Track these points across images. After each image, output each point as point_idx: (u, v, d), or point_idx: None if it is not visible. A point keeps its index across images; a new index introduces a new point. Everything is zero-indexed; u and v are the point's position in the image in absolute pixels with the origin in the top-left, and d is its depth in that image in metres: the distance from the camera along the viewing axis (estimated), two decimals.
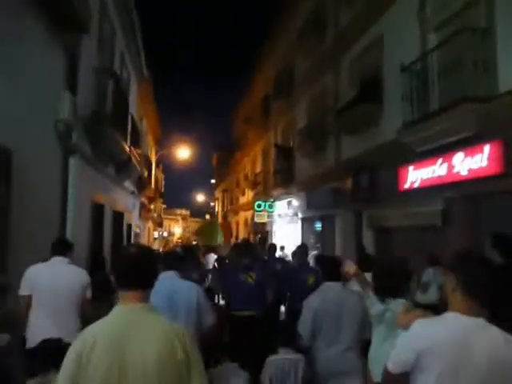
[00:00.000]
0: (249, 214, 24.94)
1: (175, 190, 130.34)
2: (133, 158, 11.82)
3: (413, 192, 8.12)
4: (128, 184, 13.95)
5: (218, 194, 44.47)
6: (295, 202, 15.46)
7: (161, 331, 1.78)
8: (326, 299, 3.68)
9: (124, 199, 13.29)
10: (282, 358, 3.77)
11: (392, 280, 2.92)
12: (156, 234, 42.19)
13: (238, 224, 29.53)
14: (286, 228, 17.45)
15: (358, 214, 10.75)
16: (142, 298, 1.87)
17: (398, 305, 2.78)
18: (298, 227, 15.63)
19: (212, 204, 50.26)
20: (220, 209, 41.36)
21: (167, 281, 3.47)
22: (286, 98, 16.58)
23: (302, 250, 6.71)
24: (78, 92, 7.08)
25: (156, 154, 26.65)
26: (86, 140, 7.79)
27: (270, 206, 18.80)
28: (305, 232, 15.14)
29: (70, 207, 6.65)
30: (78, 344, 1.73)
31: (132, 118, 11.92)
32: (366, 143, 10.01)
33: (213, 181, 48.93)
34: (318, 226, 13.96)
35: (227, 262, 8.64)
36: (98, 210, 9.30)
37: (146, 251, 2.04)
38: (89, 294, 3.99)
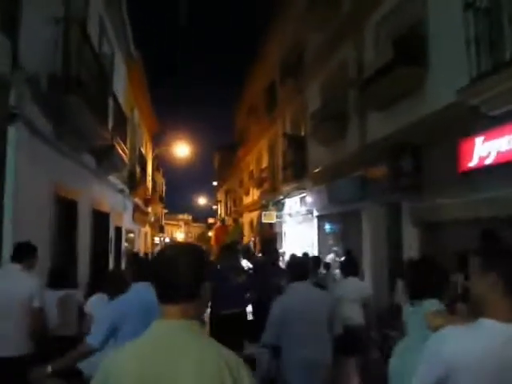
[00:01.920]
0: (254, 214, 22.91)
1: (177, 195, 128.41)
2: (117, 148, 9.80)
3: (481, 172, 6.08)
4: (115, 180, 11.92)
5: (220, 196, 42.43)
6: (309, 199, 13.40)
7: (208, 360, 1.37)
8: (294, 298, 3.80)
9: (110, 198, 11.26)
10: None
11: (419, 281, 2.67)
12: (157, 240, 40.54)
13: (242, 226, 27.47)
14: (299, 228, 15.39)
15: (394, 207, 8.70)
16: (186, 312, 1.48)
17: (430, 305, 2.49)
18: (313, 227, 13.57)
19: (214, 207, 48.17)
20: (223, 211, 39.29)
21: (142, 291, 3.17)
22: (295, 81, 14.59)
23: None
24: (22, 40, 5.08)
25: (153, 152, 24.64)
26: (41, 111, 5.79)
27: (280, 205, 16.72)
28: (322, 232, 13.07)
29: (7, 195, 4.63)
30: (98, 377, 1.45)
31: (115, 98, 9.90)
32: (403, 117, 7.98)
33: (215, 183, 47.05)
34: (329, 227, 12.01)
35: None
36: (66, 207, 7.27)
37: (190, 251, 1.59)
38: (36, 304, 3.71)
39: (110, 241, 11.16)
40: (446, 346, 1.62)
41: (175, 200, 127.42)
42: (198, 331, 1.50)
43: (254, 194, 22.89)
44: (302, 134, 15.01)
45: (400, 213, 8.40)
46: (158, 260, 1.61)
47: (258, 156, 22.48)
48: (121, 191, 12.77)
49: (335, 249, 12.02)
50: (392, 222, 9.08)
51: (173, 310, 1.49)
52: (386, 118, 8.76)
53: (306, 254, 11.52)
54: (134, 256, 5.37)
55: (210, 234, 54.49)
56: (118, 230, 12.77)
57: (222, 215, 39.03)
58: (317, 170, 12.50)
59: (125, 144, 11.52)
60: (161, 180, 40.30)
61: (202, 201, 55.99)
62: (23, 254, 3.91)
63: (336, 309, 3.94)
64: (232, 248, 6.61)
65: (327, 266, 10.31)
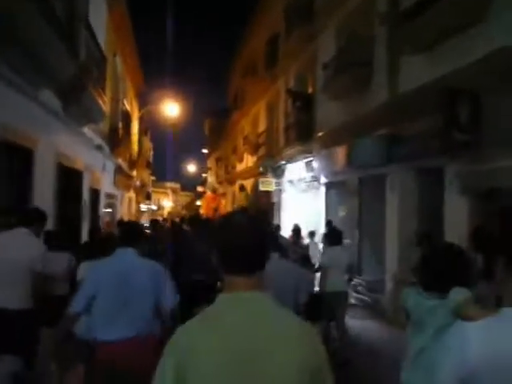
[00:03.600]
0: (248, 182, 21.21)
1: (165, 163, 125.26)
2: (91, 91, 7.91)
3: None
4: (91, 134, 10.04)
5: (210, 163, 40.52)
6: (316, 163, 11.67)
7: (295, 330, 1.32)
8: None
9: (84, 154, 9.42)
10: None
11: (447, 271, 2.37)
12: (144, 207, 38.91)
13: (234, 196, 25.79)
14: (302, 198, 13.73)
15: (433, 172, 7.06)
16: (259, 284, 1.38)
17: (457, 294, 2.22)
18: (319, 196, 11.92)
19: (204, 175, 46.32)
20: (214, 180, 37.48)
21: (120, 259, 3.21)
22: (304, 28, 12.62)
23: None
24: None
25: (139, 111, 22.60)
26: None
27: (279, 171, 15.00)
28: (331, 202, 11.43)
29: None
30: (171, 349, 1.29)
31: (89, 26, 7.92)
32: (456, 58, 6.23)
33: (205, 150, 45.06)
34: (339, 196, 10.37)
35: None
36: (16, 155, 5.48)
37: (258, 220, 1.50)
38: (39, 268, 3.84)
39: (83, 204, 9.39)
40: (470, 344, 1.36)
41: (163, 167, 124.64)
42: (276, 303, 1.37)
43: (249, 161, 21.12)
44: (309, 91, 13.21)
45: (441, 178, 6.75)
46: (230, 229, 1.42)
47: (254, 119, 20.57)
48: (98, 148, 10.91)
49: (350, 222, 10.44)
50: (427, 189, 7.46)
51: (248, 281, 1.36)
52: (428, 60, 6.99)
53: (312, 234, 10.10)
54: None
55: (199, 202, 53.04)
56: (95, 192, 10.98)
57: (213, 183, 37.27)
58: (325, 131, 10.74)
59: (103, 91, 9.61)
60: (148, 145, 38.24)
61: (191, 168, 54.06)
62: (33, 219, 4.06)
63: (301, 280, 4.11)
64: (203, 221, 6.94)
65: (312, 234, 10.01)
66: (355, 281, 9.03)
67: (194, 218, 7.99)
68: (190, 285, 5.07)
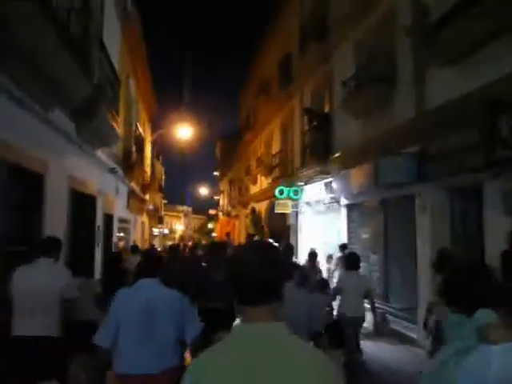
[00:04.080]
0: (262, 205, 20.77)
1: (176, 186, 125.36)
2: (105, 111, 7.63)
3: None
4: (104, 157, 9.75)
5: (223, 186, 40.23)
6: (336, 184, 11.22)
7: (309, 360, 1.31)
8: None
9: (98, 178, 9.11)
10: None
11: (474, 292, 2.22)
12: (156, 231, 38.60)
13: (247, 218, 25.31)
14: (320, 220, 13.24)
15: (469, 191, 6.58)
16: (274, 314, 1.39)
17: (483, 316, 2.06)
18: (339, 218, 11.42)
19: (216, 198, 46.01)
20: (226, 202, 37.13)
21: (143, 289, 3.18)
22: (319, 46, 12.37)
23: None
24: None
25: (151, 135, 22.47)
26: None
27: (296, 192, 14.55)
28: (352, 224, 10.92)
29: None
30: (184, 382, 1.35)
31: (103, 46, 7.70)
32: (495, 68, 5.84)
33: (216, 173, 44.91)
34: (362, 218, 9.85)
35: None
36: (25, 180, 5.13)
37: (274, 249, 1.53)
38: (68, 295, 3.98)
39: (96, 230, 9.02)
40: (492, 369, 1.44)
41: (175, 191, 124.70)
42: (292, 334, 1.37)
43: (263, 183, 20.72)
44: (326, 109, 12.88)
45: (479, 198, 6.27)
46: (244, 259, 1.44)
47: (267, 140, 20.25)
48: (112, 171, 10.60)
49: (374, 246, 9.93)
50: (462, 210, 6.96)
51: (262, 312, 1.38)
52: (460, 71, 6.59)
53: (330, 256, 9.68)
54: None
55: (210, 225, 52.59)
56: (108, 217, 10.62)
57: (225, 206, 36.91)
58: (345, 150, 10.32)
59: (117, 113, 9.35)
60: (160, 168, 38.20)
61: (202, 191, 53.85)
62: (52, 247, 4.15)
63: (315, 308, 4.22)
64: (220, 246, 6.61)
65: (330, 258, 10.53)
66: (381, 308, 8.47)
67: (213, 246, 7.40)
68: (207, 312, 4.91)
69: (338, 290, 6.18)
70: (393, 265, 9.08)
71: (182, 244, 18.77)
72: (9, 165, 4.57)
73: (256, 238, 16.41)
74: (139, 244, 14.54)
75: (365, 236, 10.24)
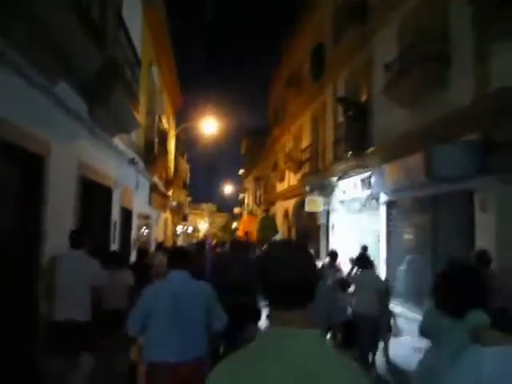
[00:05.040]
0: (290, 203, 19.83)
1: (201, 184, 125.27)
2: (122, 90, 6.83)
3: None
4: (122, 146, 8.98)
5: (248, 183, 39.39)
6: (375, 179, 10.16)
7: (342, 368, 1.23)
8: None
9: (115, 167, 8.34)
10: None
11: (466, 292, 2.26)
12: (180, 229, 38.11)
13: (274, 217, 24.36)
14: (355, 219, 12.20)
15: None
16: (306, 318, 1.32)
17: (476, 318, 2.09)
18: (378, 217, 10.37)
19: (241, 196, 45.22)
20: (251, 200, 36.28)
21: (174, 281, 3.35)
22: (356, 31, 11.36)
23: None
24: None
25: (175, 130, 21.79)
26: None
27: (329, 189, 13.53)
28: (393, 224, 9.86)
29: None
30: None
31: (120, 16, 6.89)
32: None
33: (241, 171, 44.17)
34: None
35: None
36: (22, 162, 4.35)
37: (306, 251, 1.43)
38: (98, 283, 4.63)
39: (112, 226, 8.26)
40: (485, 370, 1.47)
41: (199, 189, 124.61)
42: (329, 342, 1.41)
43: (291, 179, 19.75)
44: (363, 99, 11.84)
45: None
46: (278, 261, 1.35)
47: (296, 134, 19.26)
48: (132, 161, 9.84)
49: (419, 248, 8.88)
50: None
51: (296, 316, 1.30)
52: None
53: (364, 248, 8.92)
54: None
55: (235, 224, 51.86)
56: (127, 212, 9.87)
57: (250, 204, 36.06)
58: (387, 142, 9.25)
59: (137, 99, 8.56)
60: (185, 166, 37.66)
61: (227, 189, 53.21)
62: (84, 240, 4.69)
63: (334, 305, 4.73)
64: (240, 243, 7.06)
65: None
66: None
67: (235, 242, 7.36)
68: (231, 306, 4.87)
69: (349, 285, 6.79)
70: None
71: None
72: (6, 144, 3.79)
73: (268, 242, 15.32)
74: (160, 241, 13.79)
75: (408, 236, 9.18)
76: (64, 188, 5.40)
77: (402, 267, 9.17)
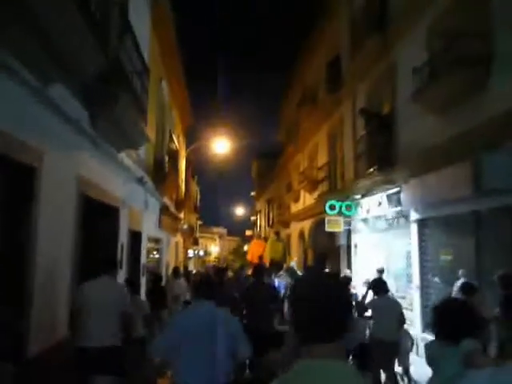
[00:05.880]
0: (305, 224, 18.96)
1: (211, 207, 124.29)
2: (125, 97, 6.15)
3: None
4: (130, 163, 8.28)
5: (260, 205, 38.56)
6: (405, 195, 9.30)
7: None
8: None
9: (121, 185, 7.61)
10: None
11: (460, 323, 2.61)
12: (191, 253, 37.23)
13: (289, 239, 23.46)
14: (379, 240, 11.30)
15: None
16: (339, 351, 1.34)
17: (468, 345, 2.46)
18: (407, 236, 9.47)
19: (253, 218, 44.32)
20: (263, 222, 35.37)
21: (202, 309, 3.48)
22: (377, 40, 10.72)
23: None
24: None
25: (186, 150, 21.21)
26: None
27: (350, 208, 12.67)
28: (427, 244, 8.95)
29: None
30: None
31: (129, 25, 6.27)
32: None
33: (252, 193, 43.42)
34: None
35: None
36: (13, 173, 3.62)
37: (336, 284, 1.44)
38: (128, 309, 4.57)
39: (119, 249, 7.48)
40: None
41: (210, 212, 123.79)
42: (357, 373, 1.33)
43: (307, 200, 18.92)
44: (385, 111, 11.11)
45: None
46: (304, 299, 1.38)
47: (311, 152, 18.51)
48: (140, 181, 9.12)
49: (454, 266, 7.97)
50: None
51: (329, 348, 1.32)
52: None
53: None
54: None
55: (246, 247, 50.80)
56: (135, 235, 9.09)
57: (263, 227, 35.12)
58: (417, 153, 8.42)
59: (145, 111, 7.90)
60: (195, 188, 37.06)
61: (238, 211, 52.46)
62: (113, 266, 4.81)
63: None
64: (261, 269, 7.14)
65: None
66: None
67: (260, 269, 7.22)
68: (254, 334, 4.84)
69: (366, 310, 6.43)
70: (489, 293, 7.07)
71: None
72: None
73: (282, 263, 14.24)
74: (176, 266, 12.96)
75: (445, 257, 8.26)
76: (60, 204, 4.65)
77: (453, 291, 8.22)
